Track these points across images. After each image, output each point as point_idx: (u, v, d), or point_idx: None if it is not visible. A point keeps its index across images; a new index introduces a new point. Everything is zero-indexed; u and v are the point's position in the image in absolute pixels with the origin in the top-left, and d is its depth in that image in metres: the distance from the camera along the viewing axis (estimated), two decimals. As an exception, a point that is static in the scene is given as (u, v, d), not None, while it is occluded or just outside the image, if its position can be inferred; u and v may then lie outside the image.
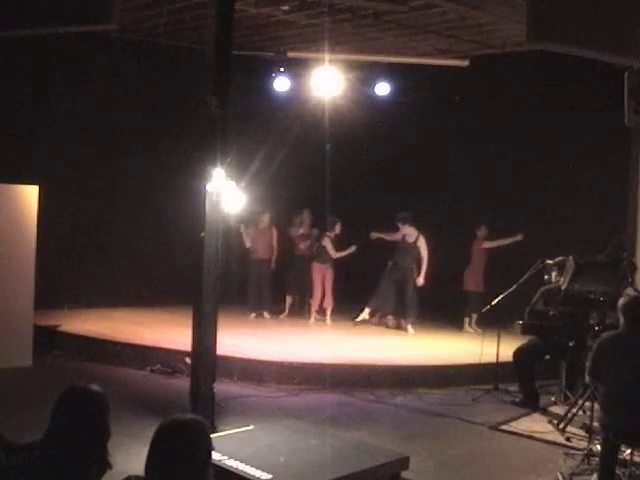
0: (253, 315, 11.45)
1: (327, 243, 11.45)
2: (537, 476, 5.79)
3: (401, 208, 11.81)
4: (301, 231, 11.79)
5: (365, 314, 11.22)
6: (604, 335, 5.36)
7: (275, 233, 11.64)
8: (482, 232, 11.17)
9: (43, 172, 9.10)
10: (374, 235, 11.24)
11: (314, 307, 11.56)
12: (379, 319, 11.47)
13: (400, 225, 11.05)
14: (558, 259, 8.18)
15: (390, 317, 11.37)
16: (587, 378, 5.41)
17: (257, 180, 9.85)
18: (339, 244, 11.55)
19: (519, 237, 10.68)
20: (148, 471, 2.58)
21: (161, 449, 2.59)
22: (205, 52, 6.71)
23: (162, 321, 10.65)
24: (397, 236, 11.13)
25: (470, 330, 11.15)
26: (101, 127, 10.85)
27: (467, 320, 11.28)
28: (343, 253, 11.48)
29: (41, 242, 8.73)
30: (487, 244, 11.13)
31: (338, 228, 11.44)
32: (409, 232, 11.04)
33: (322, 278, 11.51)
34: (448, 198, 12.00)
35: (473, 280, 11.21)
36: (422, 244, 10.99)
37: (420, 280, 10.86)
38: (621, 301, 5.34)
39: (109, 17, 5.91)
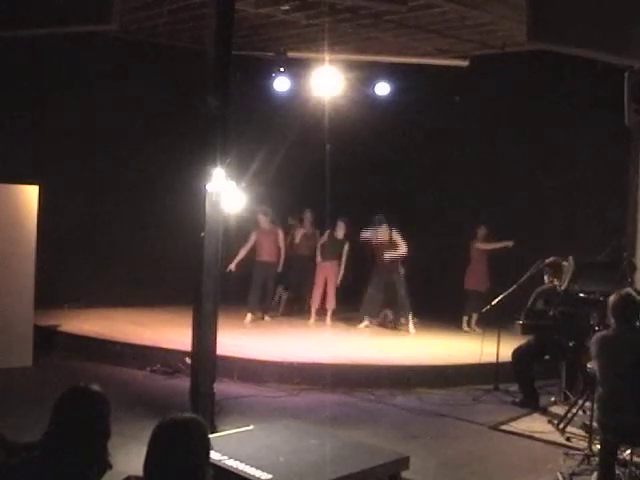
0: (250, 317, 11.22)
1: (323, 238, 11.48)
2: (537, 476, 5.79)
3: (401, 208, 11.84)
4: (303, 232, 11.78)
5: (366, 322, 11.25)
6: (596, 335, 5.32)
7: (280, 234, 11.55)
8: (482, 232, 11.17)
9: (43, 172, 9.09)
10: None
11: (314, 307, 11.56)
12: (379, 321, 11.48)
13: (376, 227, 11.08)
14: (550, 260, 8.18)
15: (390, 315, 11.38)
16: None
17: (257, 180, 9.85)
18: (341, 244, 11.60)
19: (509, 244, 10.71)
20: (146, 470, 2.58)
21: (159, 448, 2.59)
22: (205, 52, 6.71)
23: (162, 321, 10.65)
24: (370, 237, 11.17)
25: (467, 329, 11.17)
26: (101, 127, 10.85)
27: (465, 319, 11.29)
28: (318, 254, 11.55)
29: (41, 242, 8.73)
30: (481, 245, 11.14)
31: (342, 228, 11.45)
32: (381, 232, 11.04)
33: (324, 277, 11.50)
34: (448, 198, 12.00)
35: (472, 279, 11.21)
36: (397, 239, 11.00)
37: (401, 270, 10.89)
38: (610, 300, 5.27)
39: (109, 17, 5.91)
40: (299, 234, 11.78)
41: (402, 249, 10.96)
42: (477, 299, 10.86)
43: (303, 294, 12.02)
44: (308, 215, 11.78)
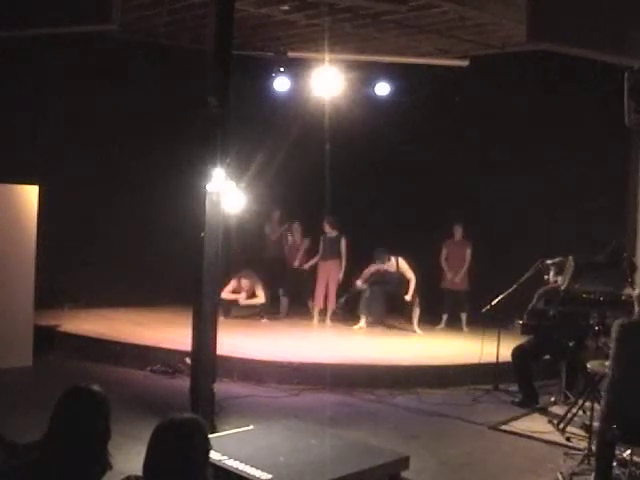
0: (265, 320, 11.39)
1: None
2: (537, 476, 5.79)
3: (400, 207, 11.83)
4: (290, 241, 11.88)
5: (362, 323, 11.22)
6: (619, 321, 5.31)
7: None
8: (458, 232, 11.32)
9: (43, 172, 9.09)
10: (359, 283, 11.23)
11: (317, 307, 11.54)
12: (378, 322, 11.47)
13: (379, 262, 11.07)
14: (557, 259, 8.18)
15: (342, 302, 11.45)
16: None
17: (257, 180, 9.85)
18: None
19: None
20: (146, 470, 2.58)
21: (159, 448, 2.59)
22: (205, 52, 6.71)
23: (162, 321, 10.65)
24: (373, 271, 11.19)
25: (439, 327, 11.28)
26: (101, 127, 10.85)
27: (445, 317, 11.39)
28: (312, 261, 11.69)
29: (41, 242, 8.72)
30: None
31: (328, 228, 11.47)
32: (388, 265, 11.06)
33: (326, 277, 11.48)
34: (448, 197, 11.98)
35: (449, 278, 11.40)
36: (404, 267, 11.03)
37: (407, 297, 10.92)
38: (637, 291, 5.36)
39: (109, 17, 5.92)
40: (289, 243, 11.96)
41: (412, 279, 10.96)
42: (454, 298, 11.21)
43: (303, 299, 12.03)
44: (296, 227, 11.86)
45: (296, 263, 11.80)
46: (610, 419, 4.98)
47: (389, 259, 11.04)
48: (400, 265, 11.03)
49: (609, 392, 5.11)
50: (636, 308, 5.28)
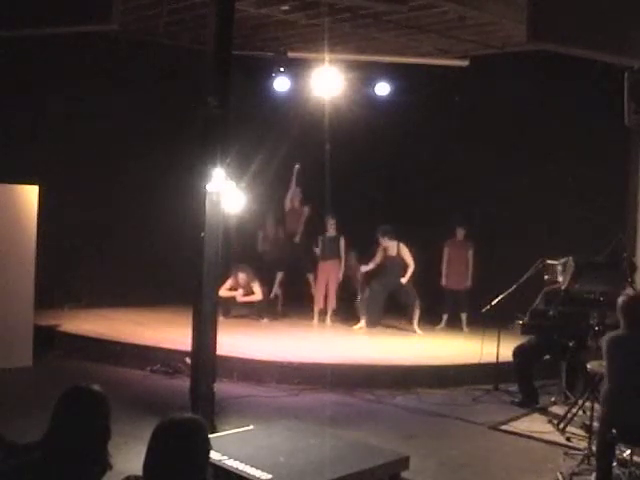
0: (266, 320, 11.38)
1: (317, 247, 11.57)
2: (537, 476, 5.79)
3: (401, 208, 11.83)
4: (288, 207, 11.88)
5: (362, 323, 11.21)
6: (608, 335, 5.35)
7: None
8: (460, 233, 11.29)
9: (43, 172, 9.09)
10: (364, 269, 11.29)
11: (317, 307, 11.54)
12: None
13: (381, 239, 11.06)
14: (562, 260, 8.16)
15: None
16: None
17: (257, 180, 9.85)
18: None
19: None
20: (146, 470, 2.58)
21: (158, 448, 2.59)
22: (205, 52, 6.71)
23: (162, 321, 10.65)
24: (379, 255, 11.15)
25: (439, 327, 11.26)
26: (101, 127, 10.84)
27: (445, 317, 11.39)
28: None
29: (41, 242, 8.72)
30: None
31: (332, 225, 11.47)
32: (389, 245, 11.04)
33: (326, 277, 11.47)
34: (448, 197, 11.99)
35: (451, 278, 11.36)
36: (404, 252, 11.02)
37: (403, 280, 10.90)
38: (619, 300, 5.35)
39: (109, 17, 5.93)
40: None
41: (411, 265, 10.95)
42: (454, 298, 11.17)
43: (301, 278, 12.00)
44: (297, 191, 11.88)
45: (297, 239, 11.78)
46: (609, 424, 5.01)
47: (392, 238, 11.04)
48: (400, 249, 11.01)
49: (607, 400, 5.14)
50: (620, 319, 5.28)
